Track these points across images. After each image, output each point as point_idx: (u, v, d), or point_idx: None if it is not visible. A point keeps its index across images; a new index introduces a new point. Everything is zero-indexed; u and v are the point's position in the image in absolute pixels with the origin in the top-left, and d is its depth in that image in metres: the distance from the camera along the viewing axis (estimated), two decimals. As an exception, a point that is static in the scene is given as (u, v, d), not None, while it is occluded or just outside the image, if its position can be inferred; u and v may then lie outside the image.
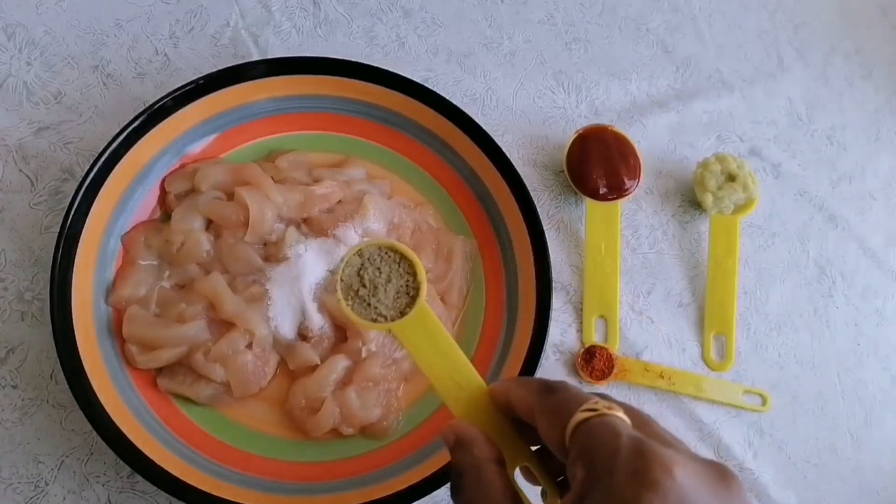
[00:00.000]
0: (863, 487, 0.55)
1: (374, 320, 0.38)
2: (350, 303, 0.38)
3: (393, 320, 0.38)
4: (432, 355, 0.37)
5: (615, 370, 0.53)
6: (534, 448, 0.35)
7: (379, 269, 0.38)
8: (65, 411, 0.48)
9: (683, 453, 0.28)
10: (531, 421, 0.33)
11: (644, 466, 0.26)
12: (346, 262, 0.39)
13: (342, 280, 0.38)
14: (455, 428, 0.34)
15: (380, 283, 0.38)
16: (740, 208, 0.57)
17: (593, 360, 0.53)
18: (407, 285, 0.39)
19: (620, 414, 0.29)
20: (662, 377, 0.54)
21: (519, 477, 0.34)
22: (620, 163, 0.56)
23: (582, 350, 0.54)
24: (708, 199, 0.57)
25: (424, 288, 0.38)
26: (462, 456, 0.33)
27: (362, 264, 0.39)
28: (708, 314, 0.56)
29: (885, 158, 0.65)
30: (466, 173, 0.54)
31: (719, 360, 0.55)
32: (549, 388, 0.33)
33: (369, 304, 0.38)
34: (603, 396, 0.31)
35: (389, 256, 0.39)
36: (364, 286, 0.38)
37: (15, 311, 0.49)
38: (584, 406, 0.30)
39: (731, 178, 0.57)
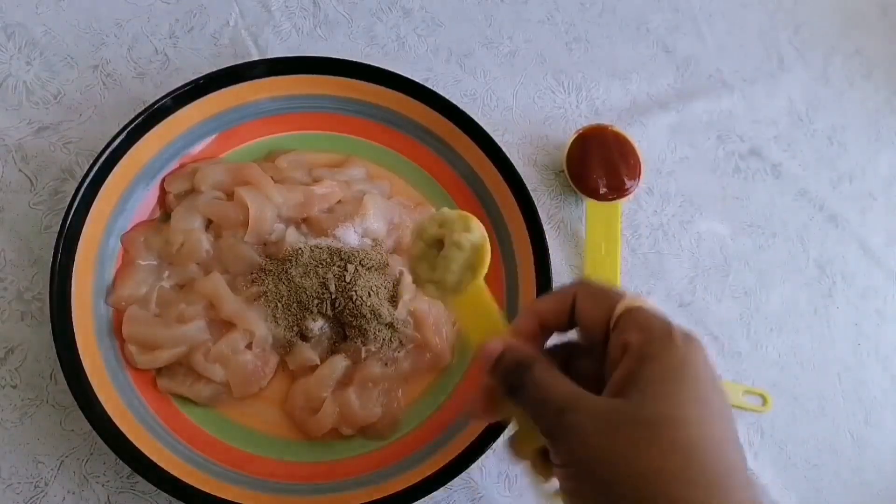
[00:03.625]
0: (863, 488, 0.55)
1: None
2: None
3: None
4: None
5: None
6: None
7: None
8: (65, 411, 0.48)
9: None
10: (562, 317, 0.35)
11: (693, 337, 0.32)
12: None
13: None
14: (487, 349, 0.34)
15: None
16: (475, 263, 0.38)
17: None
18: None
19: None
20: None
21: None
22: (620, 163, 0.56)
23: None
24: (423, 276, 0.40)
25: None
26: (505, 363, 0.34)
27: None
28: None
29: (885, 158, 0.65)
30: (466, 173, 0.54)
31: None
32: (589, 281, 0.36)
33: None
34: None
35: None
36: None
37: (15, 311, 0.49)
38: (632, 297, 0.33)
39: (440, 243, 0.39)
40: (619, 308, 0.33)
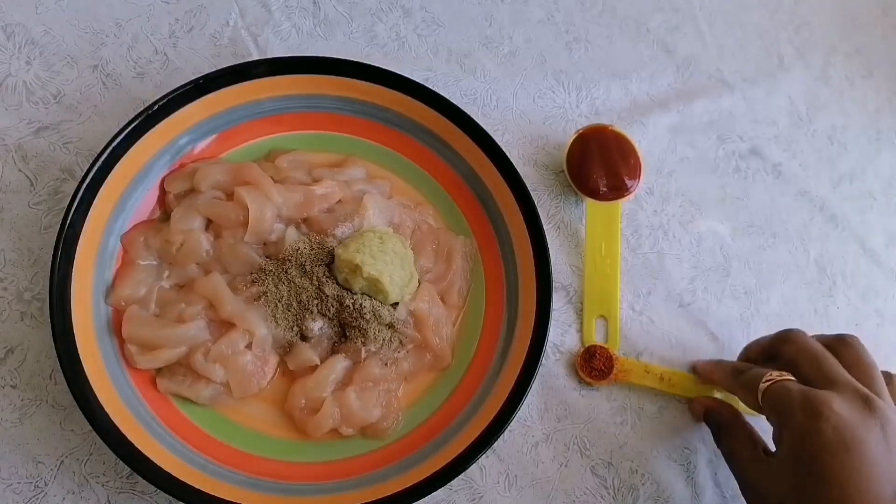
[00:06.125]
0: (863, 488, 0.55)
1: None
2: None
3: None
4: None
5: (615, 370, 0.53)
6: None
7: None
8: (64, 411, 0.48)
9: (839, 386, 0.42)
10: (729, 391, 0.51)
11: (811, 406, 0.41)
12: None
13: None
14: (698, 402, 0.53)
15: None
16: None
17: (593, 360, 0.53)
18: None
19: (788, 376, 0.45)
20: (663, 379, 0.54)
21: None
22: (621, 163, 0.56)
23: (582, 350, 0.54)
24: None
25: None
26: (713, 418, 0.51)
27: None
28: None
29: (885, 158, 0.65)
30: (466, 173, 0.54)
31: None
32: (738, 370, 0.49)
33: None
34: (779, 371, 0.45)
35: None
36: None
37: (14, 311, 0.49)
38: (764, 379, 0.45)
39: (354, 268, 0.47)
40: (759, 394, 0.45)
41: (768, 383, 0.44)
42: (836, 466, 0.39)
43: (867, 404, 0.41)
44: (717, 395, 0.53)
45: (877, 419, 0.40)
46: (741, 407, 0.51)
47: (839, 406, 0.41)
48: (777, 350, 0.48)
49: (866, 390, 0.42)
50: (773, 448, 0.45)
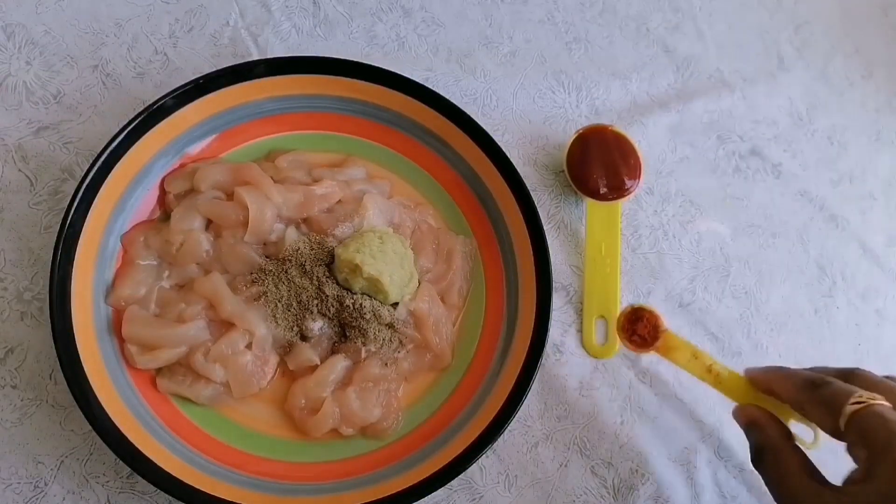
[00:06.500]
0: (863, 488, 0.55)
1: None
2: None
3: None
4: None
5: (659, 343, 0.50)
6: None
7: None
8: (64, 411, 0.48)
9: None
10: (795, 407, 0.42)
11: None
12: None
13: None
14: (744, 411, 0.44)
15: None
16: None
17: (637, 324, 0.50)
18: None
19: (882, 401, 0.37)
20: (710, 371, 0.48)
21: None
22: (621, 163, 0.56)
23: (628, 309, 0.51)
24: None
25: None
26: (758, 435, 0.43)
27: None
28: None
29: (885, 158, 0.65)
30: (466, 173, 0.54)
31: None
32: (814, 382, 0.40)
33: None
34: (866, 384, 0.39)
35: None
36: None
37: (14, 311, 0.49)
38: (852, 399, 0.37)
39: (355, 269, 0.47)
40: (844, 417, 0.37)
41: (858, 405, 0.37)
42: None
43: None
44: (770, 407, 0.45)
45: None
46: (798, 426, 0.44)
47: None
48: None
49: None
50: (824, 474, 0.41)
